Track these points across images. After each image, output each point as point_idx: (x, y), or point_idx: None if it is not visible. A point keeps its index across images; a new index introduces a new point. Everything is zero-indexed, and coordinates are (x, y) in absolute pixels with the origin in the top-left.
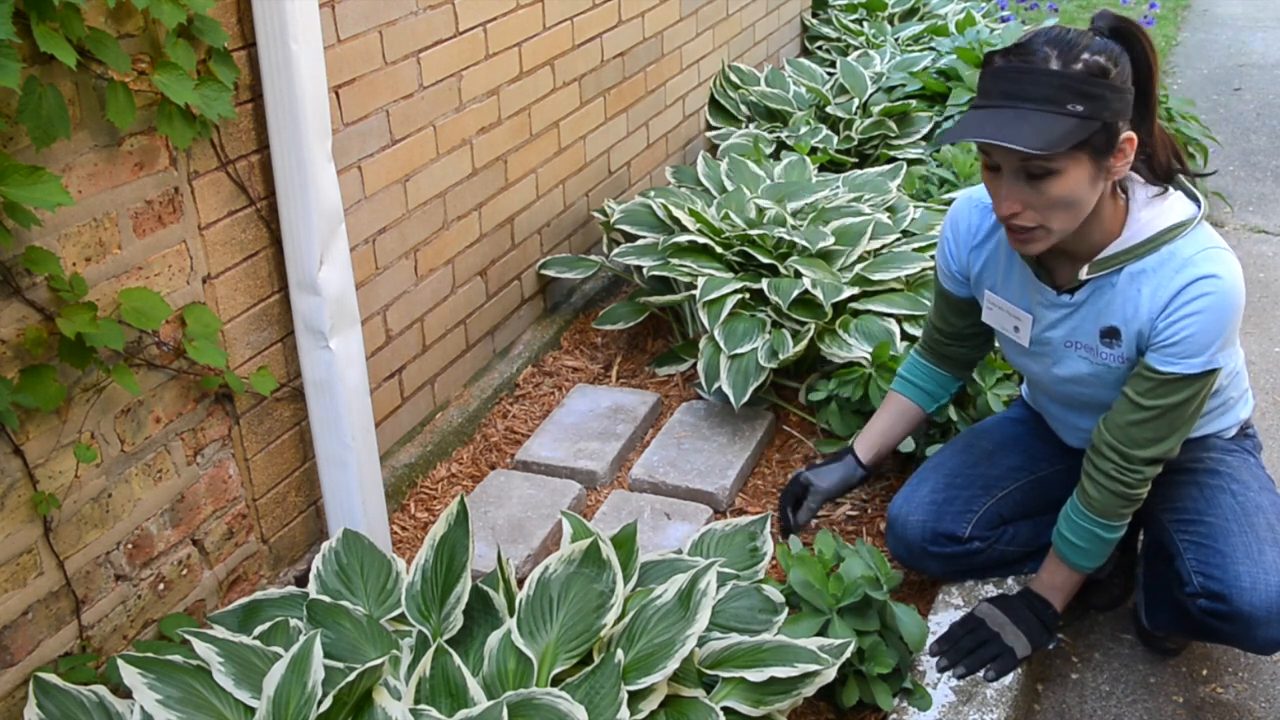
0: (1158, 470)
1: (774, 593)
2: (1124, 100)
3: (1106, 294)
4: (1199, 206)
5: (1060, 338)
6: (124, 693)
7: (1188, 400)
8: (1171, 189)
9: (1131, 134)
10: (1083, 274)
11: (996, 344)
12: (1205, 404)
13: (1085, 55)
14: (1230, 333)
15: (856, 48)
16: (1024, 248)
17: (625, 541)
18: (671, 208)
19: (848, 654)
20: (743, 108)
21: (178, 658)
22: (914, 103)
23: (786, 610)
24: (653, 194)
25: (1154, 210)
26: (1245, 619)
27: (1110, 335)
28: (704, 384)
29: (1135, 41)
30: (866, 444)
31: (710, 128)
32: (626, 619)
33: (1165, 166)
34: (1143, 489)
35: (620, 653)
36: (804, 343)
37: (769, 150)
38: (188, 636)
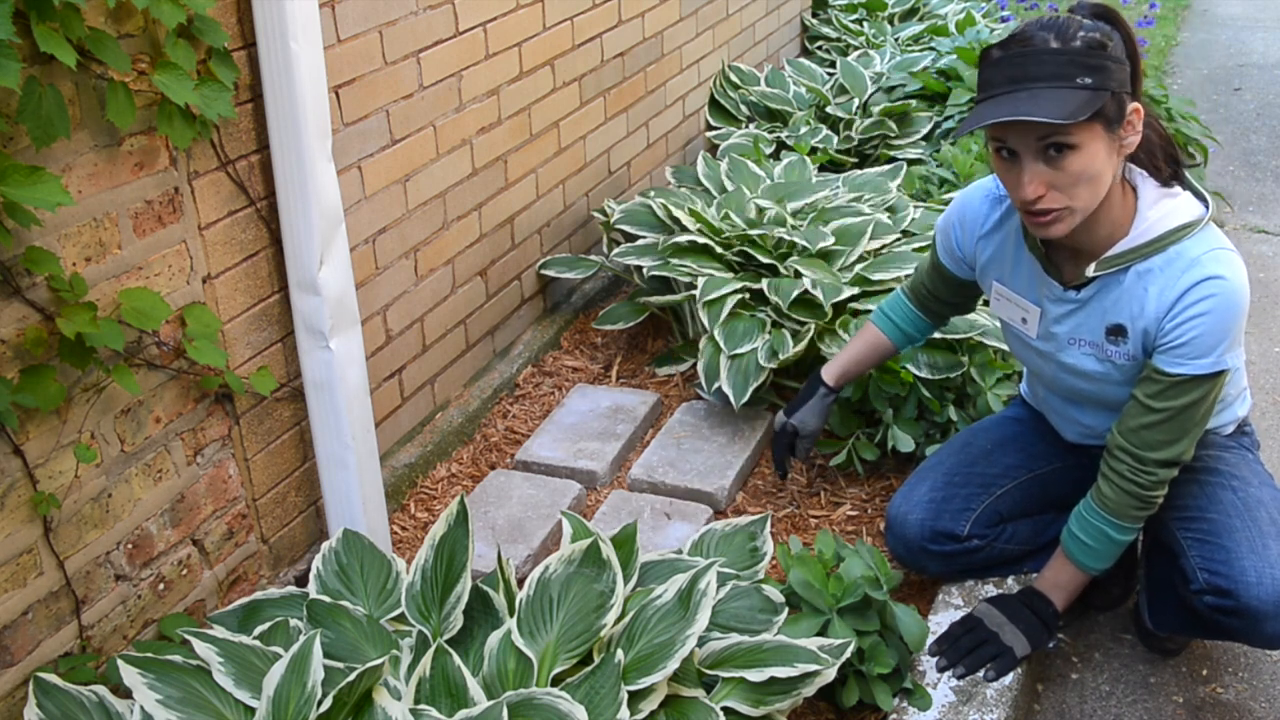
0: (1173, 473)
1: (774, 593)
2: (1125, 71)
3: (1113, 291)
4: (1206, 207)
5: (1065, 333)
6: (124, 693)
7: (1198, 402)
8: (1179, 188)
9: (1138, 105)
10: (1090, 271)
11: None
12: (1215, 406)
13: (1081, 33)
14: (1236, 334)
15: (856, 48)
16: (1047, 230)
17: (625, 541)
18: (671, 208)
19: (848, 654)
20: (743, 108)
21: (178, 658)
22: (914, 103)
23: (786, 610)
24: (653, 194)
25: (1162, 209)
26: (1252, 613)
27: (1116, 333)
28: (704, 384)
29: (1118, 23)
30: (836, 370)
31: (710, 128)
32: (626, 619)
33: (1166, 157)
34: (1157, 492)
35: (620, 653)
36: (804, 343)
37: (769, 150)
38: (188, 636)
